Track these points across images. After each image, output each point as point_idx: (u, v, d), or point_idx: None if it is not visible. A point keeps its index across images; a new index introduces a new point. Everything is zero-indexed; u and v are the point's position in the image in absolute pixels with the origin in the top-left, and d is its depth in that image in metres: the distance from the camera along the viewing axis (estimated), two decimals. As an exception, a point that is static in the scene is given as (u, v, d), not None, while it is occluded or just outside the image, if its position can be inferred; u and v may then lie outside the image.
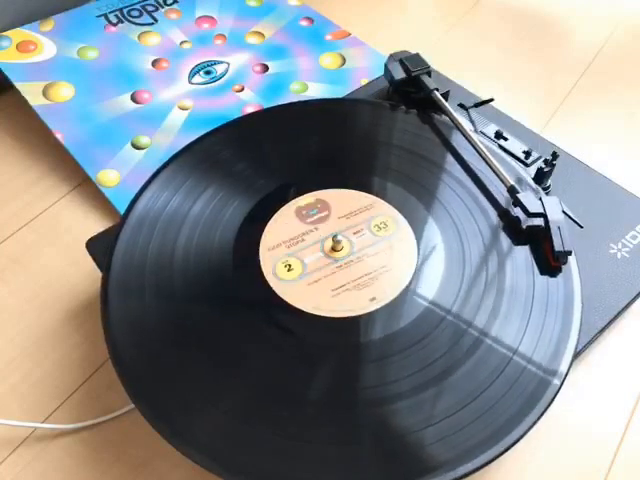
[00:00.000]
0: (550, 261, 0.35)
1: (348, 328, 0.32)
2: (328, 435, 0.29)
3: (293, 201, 0.38)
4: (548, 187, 0.41)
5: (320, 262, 0.35)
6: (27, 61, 0.53)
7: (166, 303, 0.33)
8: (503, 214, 0.37)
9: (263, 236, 0.36)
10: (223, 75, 0.54)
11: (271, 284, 0.34)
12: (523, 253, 0.35)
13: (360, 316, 0.33)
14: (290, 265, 0.35)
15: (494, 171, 0.38)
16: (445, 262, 0.35)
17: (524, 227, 0.36)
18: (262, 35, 0.58)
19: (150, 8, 0.60)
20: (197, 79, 0.54)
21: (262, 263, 0.35)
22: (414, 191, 0.38)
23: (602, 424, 0.35)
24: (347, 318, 0.33)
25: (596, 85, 0.56)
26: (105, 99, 0.51)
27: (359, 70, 0.55)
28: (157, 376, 0.31)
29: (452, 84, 0.48)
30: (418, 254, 0.35)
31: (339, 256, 0.35)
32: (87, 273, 0.42)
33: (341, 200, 0.38)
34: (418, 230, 0.36)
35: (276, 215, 0.37)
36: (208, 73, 0.54)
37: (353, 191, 0.38)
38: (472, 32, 0.62)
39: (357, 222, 0.37)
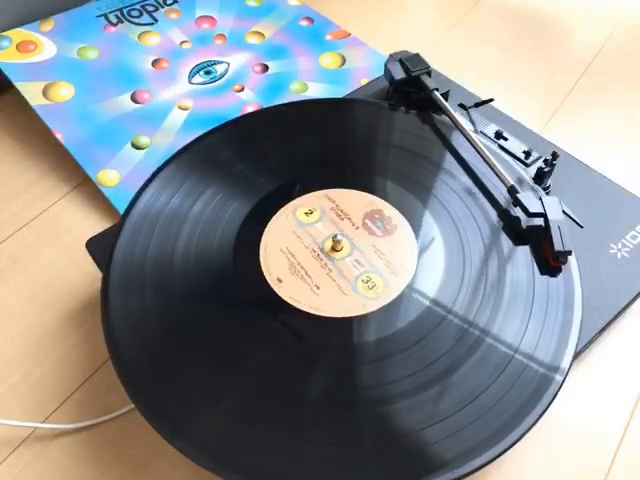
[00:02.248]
0: (550, 261, 0.35)
1: (348, 328, 0.32)
2: (328, 435, 0.29)
3: (293, 201, 0.38)
4: (548, 187, 0.41)
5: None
6: (27, 61, 0.53)
7: (166, 303, 0.33)
8: (503, 214, 0.37)
9: (263, 236, 0.36)
10: (223, 75, 0.54)
11: (271, 284, 0.34)
12: (523, 253, 0.35)
13: (360, 316, 0.33)
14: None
15: (494, 171, 0.38)
16: (445, 262, 0.35)
17: (524, 227, 0.36)
18: (262, 35, 0.58)
19: (150, 8, 0.60)
20: (197, 79, 0.54)
21: (262, 263, 0.35)
22: (414, 191, 0.38)
23: (602, 424, 0.35)
24: (347, 318, 0.33)
25: (596, 85, 0.56)
26: (105, 99, 0.51)
27: (359, 70, 0.55)
28: (157, 376, 0.31)
29: (452, 84, 0.48)
30: (418, 254, 0.35)
31: (339, 256, 0.35)
32: (87, 273, 0.42)
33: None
34: (418, 230, 0.36)
35: (276, 215, 0.37)
36: (208, 73, 0.54)
37: (353, 191, 0.38)
38: (472, 32, 0.62)
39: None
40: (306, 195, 0.38)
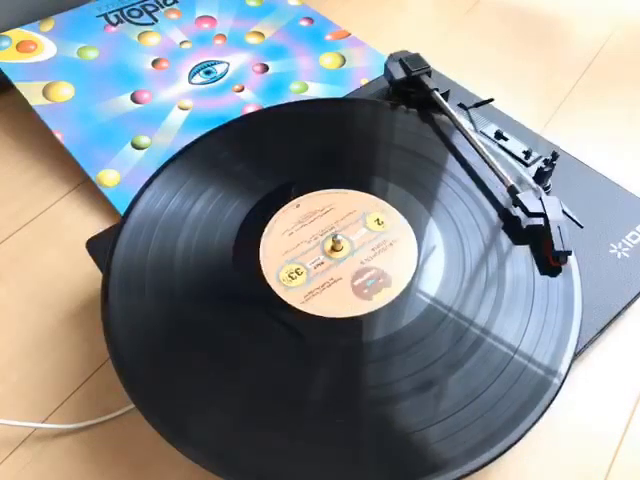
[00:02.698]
0: (550, 261, 0.35)
1: (348, 328, 0.32)
2: (329, 435, 0.29)
3: (293, 201, 0.38)
4: (548, 187, 0.41)
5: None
6: (27, 61, 0.53)
7: (166, 303, 0.33)
8: (503, 214, 0.37)
9: (263, 236, 0.36)
10: (223, 75, 0.54)
11: (271, 284, 0.34)
12: (523, 253, 0.35)
13: (360, 316, 0.33)
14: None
15: (494, 171, 0.38)
16: (445, 262, 0.35)
17: (524, 227, 0.36)
18: (262, 35, 0.58)
19: (150, 8, 0.60)
20: (197, 79, 0.54)
21: (262, 263, 0.35)
22: (414, 191, 0.38)
23: (602, 424, 0.35)
24: (348, 318, 0.33)
25: (596, 85, 0.56)
26: (105, 99, 0.51)
27: (359, 70, 0.55)
28: (157, 376, 0.31)
29: (452, 84, 0.48)
30: (418, 254, 0.35)
31: (339, 256, 0.35)
32: (87, 273, 0.42)
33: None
34: (418, 230, 0.36)
35: (276, 215, 0.37)
36: (208, 73, 0.54)
37: (353, 191, 0.38)
38: (472, 32, 0.62)
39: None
40: (306, 195, 0.38)
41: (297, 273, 0.34)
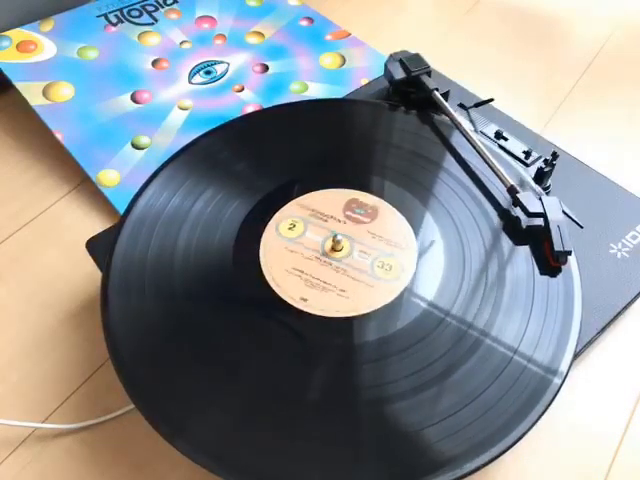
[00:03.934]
0: (550, 261, 0.35)
1: (349, 328, 0.32)
2: (328, 435, 0.29)
3: (293, 201, 0.38)
4: (548, 187, 0.41)
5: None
6: (27, 61, 0.53)
7: (166, 303, 0.33)
8: (503, 214, 0.37)
9: (263, 236, 0.36)
10: (223, 75, 0.54)
11: (271, 284, 0.34)
12: (523, 253, 0.35)
13: (361, 316, 0.33)
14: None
15: (494, 171, 0.38)
16: (445, 262, 0.35)
17: (524, 227, 0.36)
18: (262, 35, 0.58)
19: (150, 8, 0.60)
20: (197, 79, 0.54)
21: (262, 263, 0.35)
22: (414, 191, 0.38)
23: (602, 424, 0.35)
24: (348, 318, 0.33)
25: (596, 85, 0.56)
26: (105, 99, 0.51)
27: (359, 70, 0.55)
28: (157, 376, 0.31)
29: (452, 84, 0.48)
30: (418, 254, 0.35)
31: (339, 256, 0.35)
32: (87, 273, 0.42)
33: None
34: (418, 230, 0.36)
35: (276, 215, 0.37)
36: (208, 73, 0.54)
37: (353, 191, 0.38)
38: (472, 32, 0.62)
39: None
40: (306, 195, 0.38)
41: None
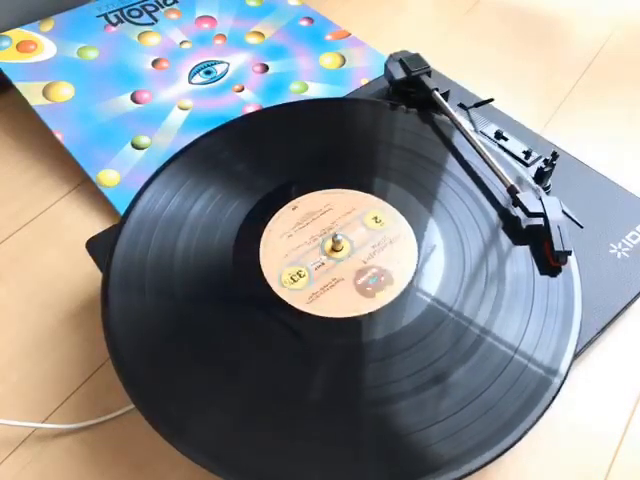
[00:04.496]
0: (550, 261, 0.35)
1: (349, 328, 0.32)
2: (328, 435, 0.29)
3: (293, 201, 0.38)
4: (548, 187, 0.41)
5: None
6: (27, 61, 0.53)
7: (166, 303, 0.33)
8: (503, 214, 0.37)
9: (263, 236, 0.36)
10: (223, 75, 0.54)
11: (271, 284, 0.34)
12: (523, 253, 0.35)
13: (361, 316, 0.33)
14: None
15: (494, 171, 0.38)
16: (445, 262, 0.35)
17: (524, 227, 0.36)
18: (262, 35, 0.58)
19: (150, 8, 0.60)
20: (197, 79, 0.54)
21: (262, 263, 0.35)
22: (414, 191, 0.38)
23: (602, 424, 0.35)
24: (348, 318, 0.33)
25: (596, 85, 0.56)
26: (105, 99, 0.51)
27: (359, 70, 0.55)
28: (157, 376, 0.31)
29: (452, 84, 0.48)
30: (418, 254, 0.35)
31: (339, 256, 0.35)
32: (87, 273, 0.42)
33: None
34: (418, 230, 0.36)
35: (276, 215, 0.37)
36: (208, 73, 0.54)
37: (353, 191, 0.38)
38: (472, 32, 0.62)
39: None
40: (306, 195, 0.38)
41: (299, 275, 0.34)
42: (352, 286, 0.34)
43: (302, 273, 0.34)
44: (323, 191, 0.38)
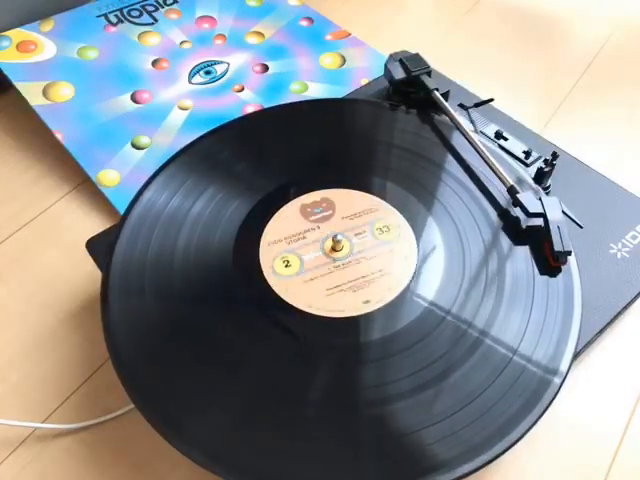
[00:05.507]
0: (550, 261, 0.35)
1: (349, 328, 0.32)
2: (328, 435, 0.29)
3: (293, 201, 0.38)
4: (548, 187, 0.41)
5: (320, 262, 0.35)
6: (27, 61, 0.53)
7: (166, 303, 0.33)
8: (503, 214, 0.37)
9: (263, 236, 0.36)
10: (223, 75, 0.54)
11: (271, 284, 0.34)
12: (523, 253, 0.35)
13: (360, 316, 0.33)
14: (289, 261, 0.35)
15: (494, 171, 0.38)
16: (445, 262, 0.35)
17: (524, 227, 0.36)
18: (262, 35, 0.58)
19: (150, 8, 0.60)
20: (197, 79, 0.54)
21: (262, 263, 0.35)
22: (414, 191, 0.38)
23: (602, 424, 0.35)
24: (348, 318, 0.33)
25: (596, 85, 0.56)
26: (105, 99, 0.51)
27: (359, 70, 0.55)
28: (157, 376, 0.31)
29: (452, 84, 0.48)
30: (418, 254, 0.35)
31: (339, 256, 0.35)
32: (87, 273, 0.42)
33: (341, 200, 0.38)
34: (418, 230, 0.36)
35: (276, 215, 0.37)
36: (208, 73, 0.54)
37: (353, 191, 0.38)
38: (472, 32, 0.62)
39: (356, 222, 0.37)
40: (306, 195, 0.38)
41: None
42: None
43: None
44: (323, 191, 0.38)
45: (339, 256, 0.35)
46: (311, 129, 0.42)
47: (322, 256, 0.35)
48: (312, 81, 0.54)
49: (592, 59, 0.58)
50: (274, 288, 0.34)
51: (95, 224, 0.45)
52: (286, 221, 0.37)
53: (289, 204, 0.37)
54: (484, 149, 0.39)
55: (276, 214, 0.37)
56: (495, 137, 0.44)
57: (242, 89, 0.53)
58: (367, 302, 0.33)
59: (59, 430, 0.35)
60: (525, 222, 0.36)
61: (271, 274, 0.34)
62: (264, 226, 0.36)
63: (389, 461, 0.28)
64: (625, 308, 0.36)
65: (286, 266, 0.34)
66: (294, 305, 0.33)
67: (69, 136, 0.48)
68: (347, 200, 0.38)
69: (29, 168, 0.49)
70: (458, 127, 0.41)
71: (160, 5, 0.60)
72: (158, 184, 0.38)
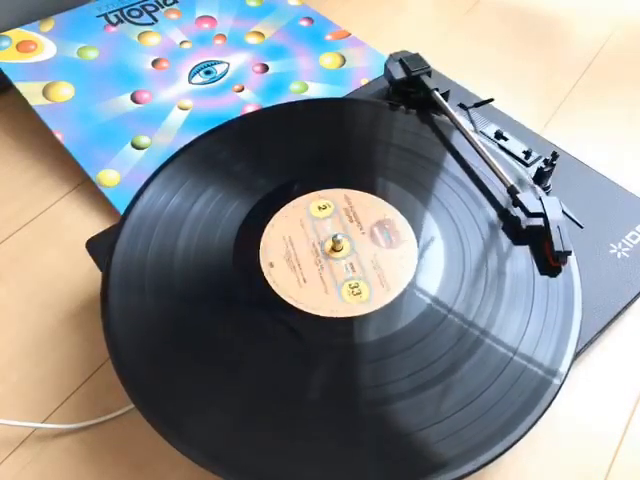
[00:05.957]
0: (550, 261, 0.35)
1: (348, 328, 0.32)
2: (328, 435, 0.29)
3: (293, 201, 0.38)
4: (548, 187, 0.41)
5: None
6: (27, 61, 0.53)
7: (166, 303, 0.33)
8: (503, 214, 0.37)
9: (263, 236, 0.36)
10: (223, 75, 0.54)
11: (271, 284, 0.34)
12: (523, 253, 0.35)
13: (360, 316, 0.33)
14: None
15: (494, 171, 0.38)
16: (445, 262, 0.35)
17: (524, 227, 0.36)
18: (262, 35, 0.58)
19: (150, 8, 0.60)
20: (197, 79, 0.54)
21: (262, 263, 0.35)
22: (414, 191, 0.38)
23: (602, 424, 0.35)
24: (347, 318, 0.33)
25: (596, 85, 0.56)
26: (105, 99, 0.51)
27: (359, 70, 0.55)
28: (157, 376, 0.31)
29: (452, 84, 0.48)
30: (418, 254, 0.35)
31: (339, 256, 0.35)
32: (87, 273, 0.42)
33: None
34: (418, 230, 0.36)
35: (276, 215, 0.37)
36: (208, 73, 0.54)
37: (353, 191, 0.38)
38: (472, 32, 0.62)
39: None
40: (306, 195, 0.38)
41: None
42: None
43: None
44: (323, 191, 0.38)
45: (339, 256, 0.35)
46: (311, 129, 0.42)
47: (322, 256, 0.35)
48: (312, 81, 0.54)
49: (592, 59, 0.58)
50: (274, 288, 0.34)
51: (95, 224, 0.45)
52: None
53: (289, 204, 0.37)
54: (484, 149, 0.39)
55: (276, 214, 0.37)
56: (495, 137, 0.44)
57: (242, 89, 0.53)
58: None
59: (59, 430, 0.35)
60: (525, 222, 0.36)
61: (271, 274, 0.34)
62: (264, 226, 0.36)
63: (389, 461, 0.28)
64: (625, 308, 0.36)
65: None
66: (294, 305, 0.33)
67: (69, 136, 0.48)
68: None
69: (29, 168, 0.49)
70: (458, 127, 0.41)
71: (160, 5, 0.60)
72: (158, 184, 0.38)
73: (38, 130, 0.51)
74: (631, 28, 0.62)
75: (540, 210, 0.35)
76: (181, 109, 0.51)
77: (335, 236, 0.35)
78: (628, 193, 0.41)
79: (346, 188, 0.38)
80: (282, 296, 0.33)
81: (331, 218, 0.37)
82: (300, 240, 0.36)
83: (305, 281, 0.34)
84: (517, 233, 0.36)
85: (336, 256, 0.35)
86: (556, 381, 0.30)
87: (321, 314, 0.33)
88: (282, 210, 0.37)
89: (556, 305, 0.33)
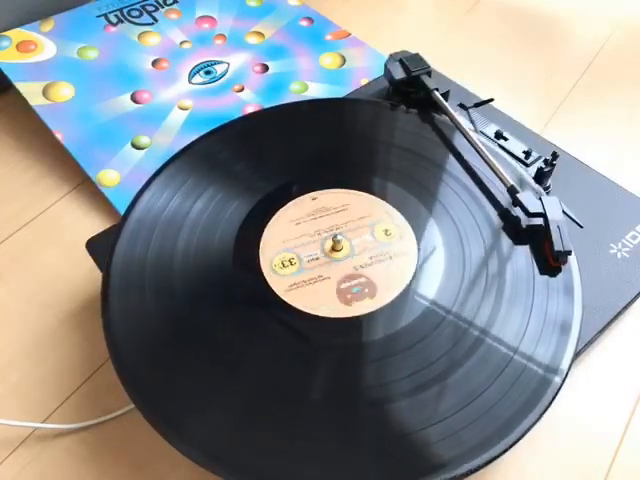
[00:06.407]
0: (550, 261, 0.35)
1: (349, 328, 0.32)
2: (328, 435, 0.29)
3: (293, 201, 0.38)
4: (548, 187, 0.41)
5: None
6: (27, 61, 0.53)
7: (166, 303, 0.33)
8: (503, 214, 0.37)
9: (263, 236, 0.36)
10: (223, 75, 0.54)
11: (271, 284, 0.34)
12: (523, 253, 0.35)
13: (361, 316, 0.33)
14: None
15: (494, 171, 0.38)
16: (445, 262, 0.35)
17: (524, 227, 0.36)
18: (262, 35, 0.58)
19: (150, 8, 0.60)
20: (197, 79, 0.54)
21: (262, 263, 0.35)
22: (414, 191, 0.38)
23: (602, 424, 0.35)
24: (348, 318, 0.32)
25: (596, 85, 0.56)
26: (105, 99, 0.51)
27: (359, 70, 0.55)
28: (157, 376, 0.31)
29: (452, 84, 0.48)
30: (418, 254, 0.35)
31: (339, 256, 0.35)
32: (87, 273, 0.42)
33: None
34: (418, 230, 0.36)
35: (276, 215, 0.37)
36: (208, 73, 0.54)
37: (353, 191, 0.38)
38: (472, 32, 0.62)
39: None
40: (306, 195, 0.38)
41: (290, 263, 0.34)
42: (351, 286, 0.34)
43: (293, 261, 0.34)
44: (323, 191, 0.38)
45: (339, 256, 0.35)
46: (311, 129, 0.42)
47: (322, 256, 0.35)
48: (312, 81, 0.54)
49: (592, 59, 0.58)
50: (274, 288, 0.34)
51: (95, 224, 0.45)
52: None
53: (289, 204, 0.37)
54: (484, 149, 0.39)
55: (276, 214, 0.37)
56: (495, 137, 0.44)
57: (242, 89, 0.53)
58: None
59: (59, 430, 0.35)
60: (525, 222, 0.36)
61: (271, 274, 0.34)
62: (264, 226, 0.36)
63: (389, 461, 0.28)
64: (625, 308, 0.36)
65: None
66: (294, 305, 0.33)
67: (69, 136, 0.48)
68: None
69: (29, 168, 0.49)
70: (458, 127, 0.41)
71: (160, 5, 0.60)
72: (158, 184, 0.38)
73: (38, 130, 0.51)
74: (631, 28, 0.62)
75: (540, 210, 0.35)
76: (181, 109, 0.51)
77: (335, 236, 0.35)
78: (628, 193, 0.41)
79: (346, 188, 0.38)
80: (282, 296, 0.33)
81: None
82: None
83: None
84: (517, 233, 0.36)
85: (336, 256, 0.35)
86: (556, 381, 0.30)
87: (320, 314, 0.33)
88: (282, 210, 0.37)
89: (556, 305, 0.33)
